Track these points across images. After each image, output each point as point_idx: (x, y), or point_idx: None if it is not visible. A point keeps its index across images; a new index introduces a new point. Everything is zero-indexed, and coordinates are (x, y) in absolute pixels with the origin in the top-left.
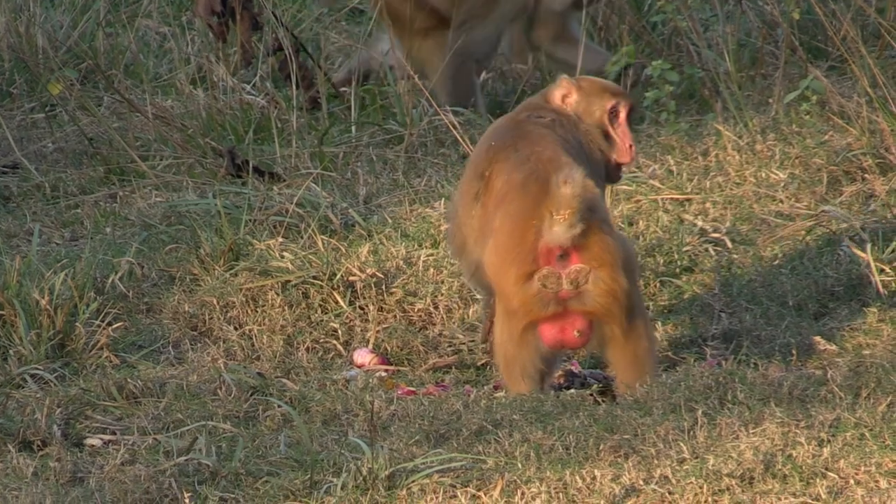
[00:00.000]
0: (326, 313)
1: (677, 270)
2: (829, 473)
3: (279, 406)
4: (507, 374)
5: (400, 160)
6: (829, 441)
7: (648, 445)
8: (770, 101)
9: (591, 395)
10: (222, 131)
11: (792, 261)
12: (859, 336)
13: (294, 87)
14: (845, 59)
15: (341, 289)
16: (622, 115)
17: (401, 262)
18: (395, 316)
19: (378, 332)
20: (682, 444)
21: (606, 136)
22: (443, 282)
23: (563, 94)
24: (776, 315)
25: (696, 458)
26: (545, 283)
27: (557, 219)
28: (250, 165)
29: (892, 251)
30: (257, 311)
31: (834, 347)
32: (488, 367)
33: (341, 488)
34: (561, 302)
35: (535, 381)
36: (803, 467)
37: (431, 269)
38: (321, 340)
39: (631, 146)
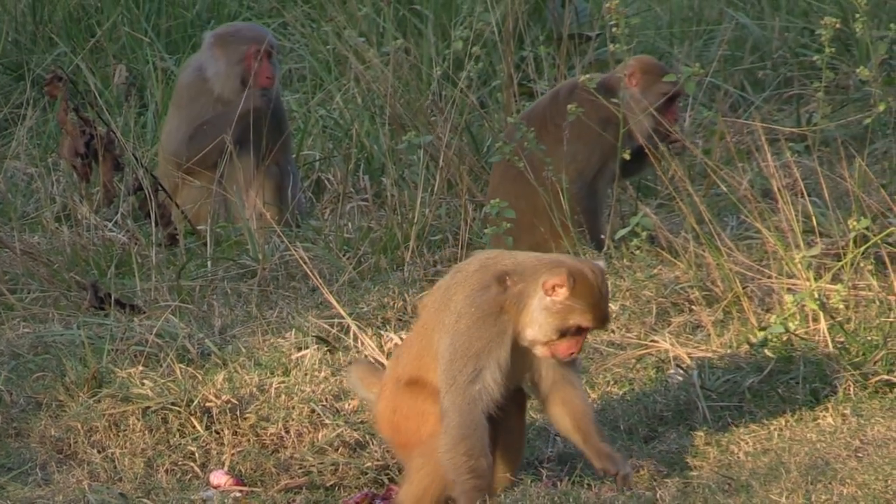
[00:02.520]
0: (184, 437)
1: None
2: None
3: None
4: None
5: (253, 293)
6: None
7: None
8: (602, 237)
9: None
10: (86, 266)
11: (623, 387)
12: (687, 458)
13: (153, 224)
14: (673, 197)
15: (198, 414)
16: (558, 290)
17: (254, 389)
18: (248, 439)
19: (233, 454)
20: None
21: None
22: (294, 407)
23: (556, 283)
24: (608, 439)
25: None
26: None
27: None
28: (112, 298)
29: (718, 378)
30: (119, 436)
31: (663, 469)
32: (337, 488)
33: None
34: None
35: None
36: None
37: (283, 396)
38: (179, 463)
39: (572, 353)
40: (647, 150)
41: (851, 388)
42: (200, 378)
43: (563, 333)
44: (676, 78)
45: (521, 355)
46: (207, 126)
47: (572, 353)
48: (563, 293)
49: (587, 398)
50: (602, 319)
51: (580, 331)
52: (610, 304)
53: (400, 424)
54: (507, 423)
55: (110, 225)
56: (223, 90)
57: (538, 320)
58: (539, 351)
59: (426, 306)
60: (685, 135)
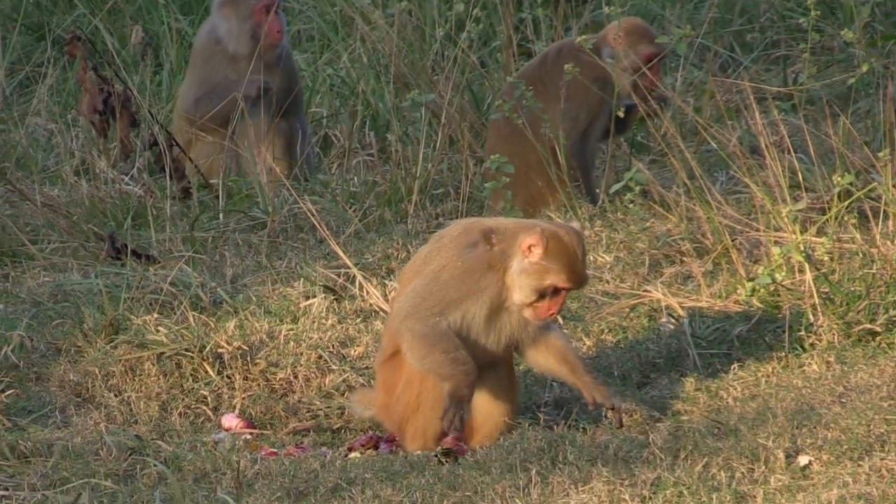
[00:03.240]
0: (197, 382)
1: None
2: None
3: (155, 465)
4: None
5: (263, 244)
6: (650, 498)
7: (487, 502)
8: (597, 191)
9: (436, 455)
10: (103, 218)
11: (617, 335)
12: (678, 403)
13: (168, 178)
14: (666, 153)
15: (210, 360)
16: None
17: (264, 336)
18: (258, 384)
19: (243, 398)
20: (517, 501)
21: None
22: (302, 354)
23: (531, 243)
24: (603, 384)
25: None
26: None
27: None
28: (129, 249)
29: (707, 327)
30: (135, 380)
31: (655, 413)
32: (343, 431)
33: None
34: None
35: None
36: None
37: (292, 343)
38: (192, 406)
39: (551, 313)
40: (638, 105)
41: (835, 337)
42: (213, 325)
43: (541, 294)
44: (668, 40)
45: (502, 319)
46: (214, 94)
47: (551, 314)
48: (538, 253)
49: (567, 337)
50: (577, 280)
51: (557, 291)
52: (587, 266)
53: (394, 405)
54: (497, 372)
55: (127, 178)
56: (237, 47)
57: (518, 282)
58: (526, 314)
59: (404, 274)
60: (676, 94)
